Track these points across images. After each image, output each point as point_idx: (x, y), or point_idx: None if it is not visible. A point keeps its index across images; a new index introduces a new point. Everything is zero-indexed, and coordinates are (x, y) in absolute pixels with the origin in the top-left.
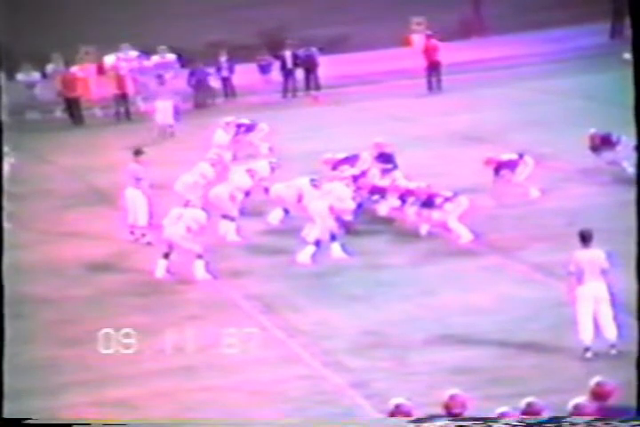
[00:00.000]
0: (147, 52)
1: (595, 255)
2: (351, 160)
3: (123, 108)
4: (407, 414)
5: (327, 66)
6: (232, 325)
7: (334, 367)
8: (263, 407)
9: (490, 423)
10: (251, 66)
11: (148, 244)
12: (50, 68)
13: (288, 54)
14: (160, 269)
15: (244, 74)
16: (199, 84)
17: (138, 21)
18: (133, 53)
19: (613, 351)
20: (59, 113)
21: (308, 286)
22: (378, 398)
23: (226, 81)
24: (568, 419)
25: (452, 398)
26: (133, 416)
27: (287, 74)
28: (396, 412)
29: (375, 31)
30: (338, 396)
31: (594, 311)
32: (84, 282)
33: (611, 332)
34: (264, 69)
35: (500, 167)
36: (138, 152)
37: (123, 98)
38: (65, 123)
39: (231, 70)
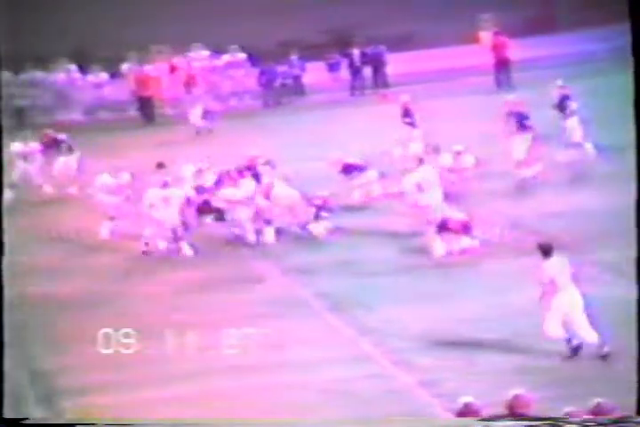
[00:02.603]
0: (218, 51)
1: (562, 263)
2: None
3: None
4: (476, 413)
5: (395, 63)
6: (301, 322)
7: (403, 366)
8: (332, 406)
9: (560, 423)
10: (319, 64)
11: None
12: (124, 67)
13: (356, 52)
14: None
15: (313, 72)
16: (269, 83)
17: (209, 20)
18: (205, 53)
19: (606, 349)
20: (131, 112)
21: (378, 284)
22: (447, 397)
23: (296, 79)
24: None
25: (517, 398)
26: (200, 414)
27: (355, 72)
28: (465, 411)
29: (443, 28)
30: (407, 395)
31: (570, 316)
32: (151, 279)
33: (592, 334)
34: (332, 68)
35: None
36: (160, 165)
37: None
38: (137, 121)
39: (302, 69)
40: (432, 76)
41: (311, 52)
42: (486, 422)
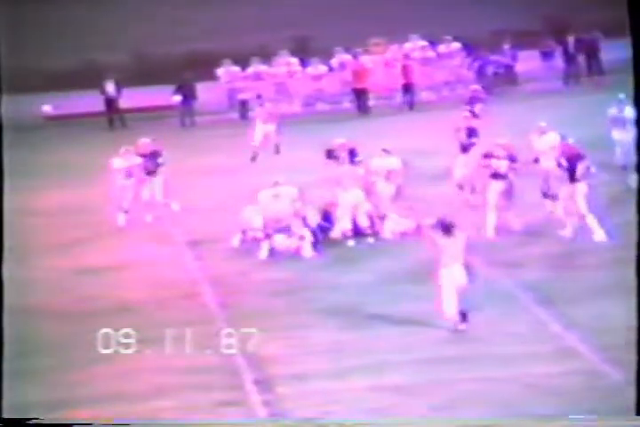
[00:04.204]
0: (433, 41)
1: (457, 241)
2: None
3: (408, 98)
4: None
5: (610, 50)
6: (508, 316)
7: (612, 363)
8: (537, 401)
9: None
10: (532, 53)
11: None
12: (341, 59)
13: (571, 40)
14: None
15: (526, 61)
16: (482, 73)
17: (424, 11)
18: (421, 43)
19: (461, 327)
20: (346, 104)
21: (586, 278)
22: None
23: (508, 69)
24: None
25: None
26: (409, 403)
27: (569, 60)
28: None
29: None
30: (615, 393)
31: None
32: (368, 269)
33: (452, 308)
34: (546, 56)
35: None
36: (329, 153)
37: (408, 88)
38: (351, 113)
39: (514, 58)
40: None
41: (524, 40)
42: None
